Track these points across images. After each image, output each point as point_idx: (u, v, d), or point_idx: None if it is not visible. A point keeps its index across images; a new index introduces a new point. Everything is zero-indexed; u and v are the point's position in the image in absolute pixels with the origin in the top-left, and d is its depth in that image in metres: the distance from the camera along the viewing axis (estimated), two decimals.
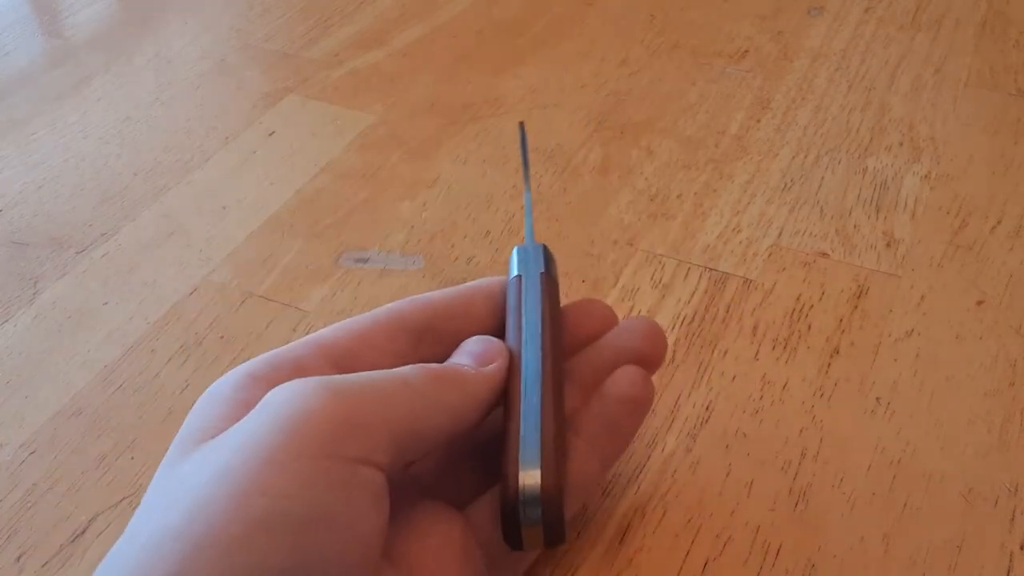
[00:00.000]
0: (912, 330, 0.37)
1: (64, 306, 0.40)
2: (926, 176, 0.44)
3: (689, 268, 0.40)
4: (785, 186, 0.44)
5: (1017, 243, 0.40)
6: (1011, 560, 0.29)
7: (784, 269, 0.40)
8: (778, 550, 0.30)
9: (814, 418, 0.33)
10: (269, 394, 0.23)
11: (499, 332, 0.29)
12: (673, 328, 0.37)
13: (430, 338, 0.28)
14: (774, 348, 0.36)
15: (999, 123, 0.47)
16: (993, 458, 0.32)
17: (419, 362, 0.27)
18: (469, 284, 0.30)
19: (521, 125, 0.35)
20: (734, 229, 0.42)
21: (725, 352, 0.36)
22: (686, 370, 0.35)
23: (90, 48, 0.57)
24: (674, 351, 0.36)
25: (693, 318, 0.37)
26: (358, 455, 0.22)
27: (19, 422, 0.35)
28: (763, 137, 0.47)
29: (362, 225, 0.43)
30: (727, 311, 0.38)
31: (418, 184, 0.45)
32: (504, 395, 0.27)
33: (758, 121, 0.48)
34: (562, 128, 0.48)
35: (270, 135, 0.49)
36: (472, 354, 0.27)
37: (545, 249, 0.30)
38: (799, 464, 0.32)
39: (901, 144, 0.46)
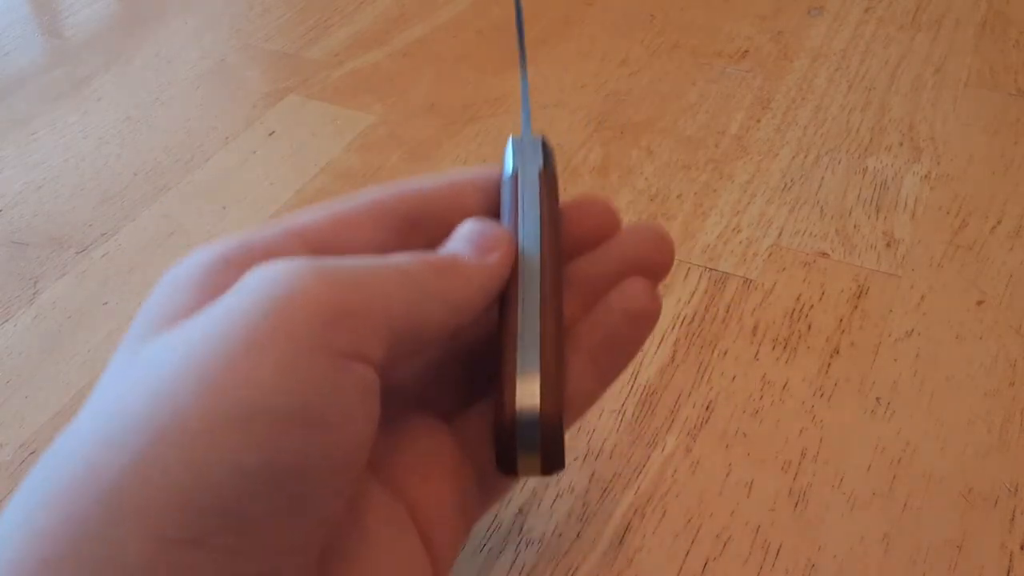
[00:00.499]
0: (912, 330, 0.37)
1: (64, 306, 0.40)
2: (926, 176, 0.44)
3: (689, 268, 0.40)
4: (785, 186, 0.44)
5: (1017, 243, 0.40)
6: (1011, 560, 0.29)
7: (784, 269, 0.40)
8: (778, 550, 0.30)
9: (814, 418, 0.33)
10: (248, 275, 0.19)
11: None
12: (673, 328, 0.37)
13: (418, 229, 0.25)
14: (774, 348, 0.36)
15: (999, 123, 0.47)
16: (993, 458, 0.32)
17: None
18: (460, 172, 0.26)
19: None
20: (734, 229, 0.42)
21: (725, 352, 0.36)
22: (686, 370, 0.35)
23: (90, 48, 0.57)
24: (674, 351, 0.36)
25: (693, 318, 0.38)
26: (349, 348, 0.19)
27: (19, 422, 0.35)
28: (763, 137, 0.47)
29: None
30: (727, 311, 0.38)
31: None
32: (501, 297, 0.24)
33: (758, 121, 0.48)
34: (562, 128, 0.48)
35: (270, 135, 0.49)
36: (471, 240, 0.23)
37: (544, 141, 0.27)
38: (799, 464, 0.32)
39: (901, 144, 0.46)
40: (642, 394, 0.35)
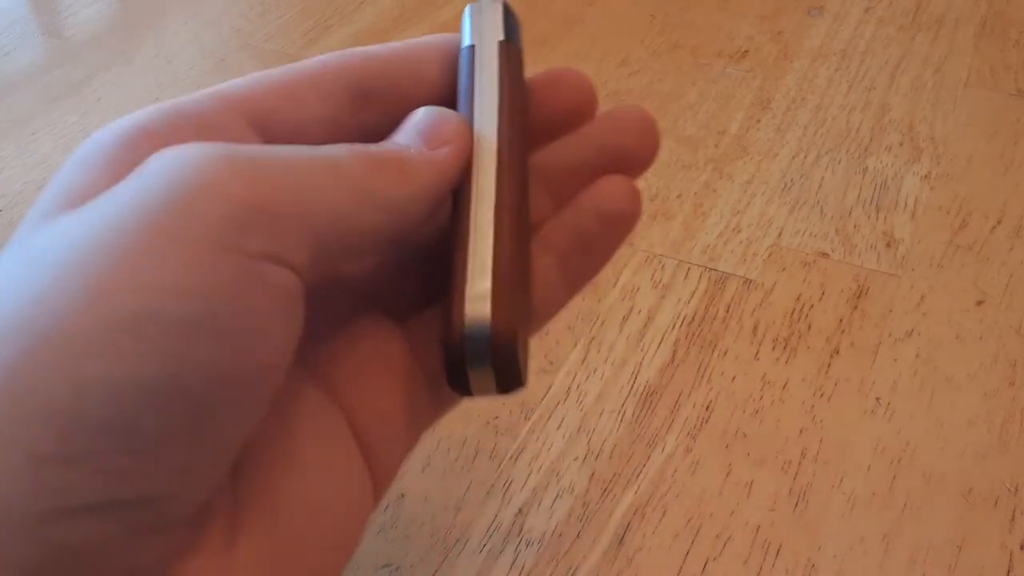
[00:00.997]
0: (912, 330, 0.37)
1: None
2: (926, 176, 0.44)
3: (689, 268, 0.40)
4: (785, 186, 0.44)
5: (1017, 243, 0.40)
6: (1011, 560, 0.29)
7: (784, 269, 0.40)
8: (778, 550, 0.30)
9: (814, 418, 0.33)
10: (151, 158, 0.17)
11: (452, 99, 0.23)
12: (673, 328, 0.37)
13: (372, 100, 0.22)
14: (774, 348, 0.36)
15: (999, 123, 0.47)
16: (993, 458, 0.32)
17: (357, 129, 0.22)
18: (419, 40, 0.24)
19: None
20: (734, 229, 0.42)
21: (725, 352, 0.36)
22: (686, 370, 0.35)
23: (90, 48, 0.57)
24: (674, 351, 0.36)
25: (693, 318, 0.38)
26: (264, 250, 0.16)
27: None
28: (763, 137, 0.47)
29: None
30: (727, 311, 0.38)
31: None
32: (455, 191, 0.21)
33: (758, 121, 0.48)
34: None
35: None
36: (421, 132, 0.21)
37: (506, 8, 0.24)
38: (799, 464, 0.32)
39: (901, 144, 0.46)
40: (642, 394, 0.35)
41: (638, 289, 0.39)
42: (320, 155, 0.18)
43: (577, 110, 0.24)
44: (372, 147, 0.20)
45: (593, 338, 0.37)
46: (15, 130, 0.50)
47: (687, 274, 0.40)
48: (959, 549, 0.29)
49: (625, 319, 0.38)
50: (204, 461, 0.17)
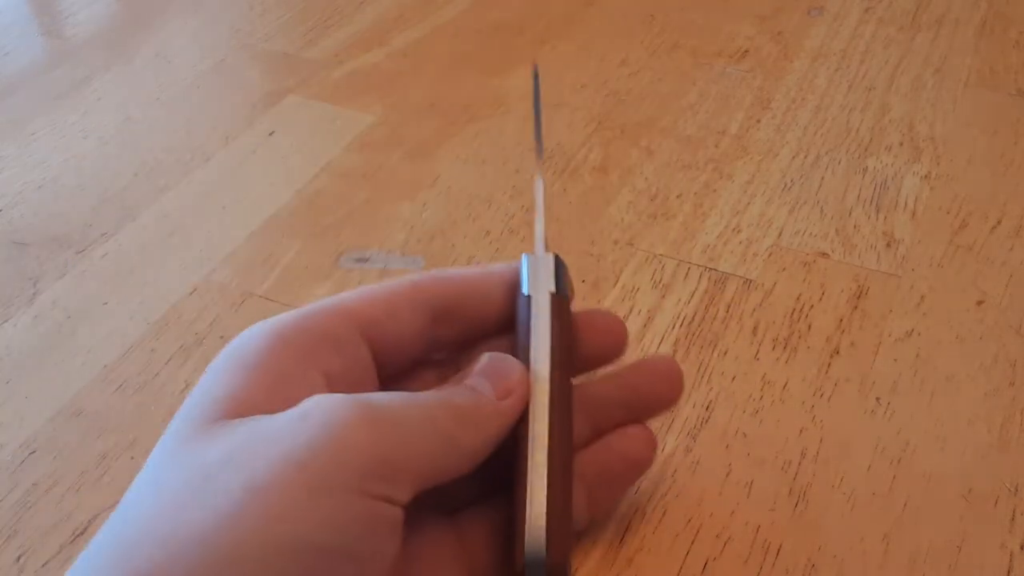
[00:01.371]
0: (912, 330, 0.37)
1: (64, 306, 0.40)
2: (926, 176, 0.44)
3: (689, 268, 0.40)
4: (785, 186, 0.44)
5: (1017, 243, 0.40)
6: (1011, 560, 0.29)
7: (784, 269, 0.40)
8: (778, 550, 0.30)
9: (814, 418, 0.33)
10: (310, 406, 0.22)
11: (512, 322, 0.29)
12: (673, 328, 0.37)
13: (449, 318, 0.28)
14: (774, 348, 0.36)
15: (999, 123, 0.47)
16: (993, 458, 0.32)
17: (437, 340, 0.28)
18: (486, 267, 0.29)
19: (535, 71, 0.33)
20: (734, 229, 0.42)
21: (725, 352, 0.36)
22: (686, 370, 0.35)
23: (90, 48, 0.57)
24: (674, 351, 0.36)
25: (693, 318, 0.37)
26: (384, 493, 0.22)
27: (19, 422, 0.35)
28: (763, 137, 0.47)
29: (362, 225, 0.43)
30: (727, 311, 0.38)
31: (418, 184, 0.45)
32: (515, 428, 0.26)
33: (758, 121, 0.48)
34: (562, 128, 0.48)
35: (270, 135, 0.49)
36: (492, 378, 0.26)
37: (557, 260, 0.29)
38: (799, 464, 0.32)
39: (901, 144, 0.46)
40: None
41: (638, 289, 0.39)
42: (423, 410, 0.24)
43: (611, 350, 0.29)
44: (456, 398, 0.25)
45: None
46: (15, 130, 0.50)
47: (687, 274, 0.40)
48: (959, 549, 0.29)
49: (625, 319, 0.38)
50: None
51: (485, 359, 0.27)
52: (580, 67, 0.53)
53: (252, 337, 0.25)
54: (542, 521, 0.25)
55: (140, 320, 0.39)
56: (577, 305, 0.29)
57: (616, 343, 0.29)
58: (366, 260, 0.41)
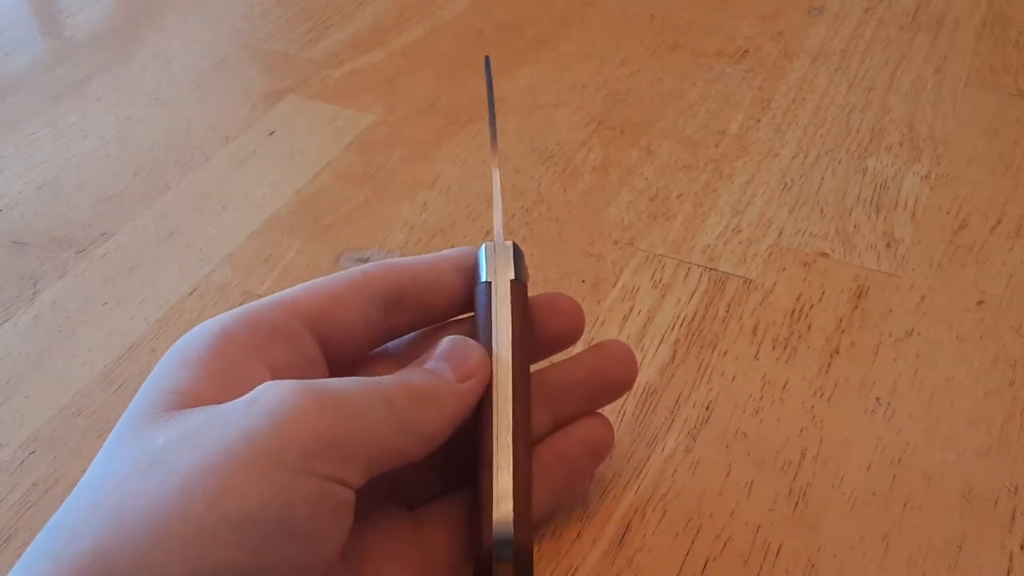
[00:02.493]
0: (912, 330, 0.37)
1: (64, 306, 0.40)
2: (926, 176, 0.44)
3: (689, 268, 0.40)
4: (785, 186, 0.44)
5: (1017, 243, 0.40)
6: (1011, 560, 0.29)
7: (784, 269, 0.40)
8: (778, 550, 0.30)
9: (814, 418, 0.33)
10: (261, 391, 0.23)
11: (468, 306, 0.29)
12: (673, 328, 0.37)
13: (402, 306, 0.28)
14: (774, 348, 0.36)
15: (999, 123, 0.47)
16: (993, 458, 0.32)
17: (388, 329, 0.28)
18: (438, 254, 0.29)
19: (486, 60, 0.33)
20: (734, 229, 0.42)
21: (725, 352, 0.36)
22: (686, 370, 0.35)
23: (90, 48, 0.57)
24: (674, 351, 0.36)
25: (693, 318, 0.38)
26: (332, 474, 0.22)
27: (19, 422, 0.35)
28: (763, 137, 0.47)
29: (362, 225, 0.43)
30: (727, 311, 0.38)
31: (418, 184, 0.45)
32: (476, 412, 0.27)
33: (758, 121, 0.48)
34: (562, 128, 0.48)
35: (270, 135, 0.49)
36: (451, 360, 0.26)
37: (515, 248, 0.29)
38: (799, 464, 0.32)
39: (901, 144, 0.46)
40: (642, 394, 0.35)
41: (638, 289, 0.39)
42: (377, 392, 0.24)
43: (569, 333, 0.30)
44: (414, 379, 0.25)
45: (593, 338, 0.37)
46: (15, 130, 0.50)
47: (687, 274, 0.40)
48: (959, 549, 0.29)
49: (625, 319, 0.38)
50: None
51: (445, 343, 0.27)
52: (580, 67, 0.53)
53: (197, 335, 0.25)
54: (509, 501, 0.25)
55: (140, 320, 0.39)
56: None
57: (573, 326, 0.30)
58: (366, 260, 0.41)
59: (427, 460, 0.28)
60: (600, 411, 0.30)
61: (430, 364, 0.26)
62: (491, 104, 0.32)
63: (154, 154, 0.48)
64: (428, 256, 0.29)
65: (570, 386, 0.29)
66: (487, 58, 0.33)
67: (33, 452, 0.34)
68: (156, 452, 0.22)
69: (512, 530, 0.25)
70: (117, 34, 0.59)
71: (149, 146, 0.49)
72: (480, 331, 0.28)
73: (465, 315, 0.30)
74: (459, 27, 0.57)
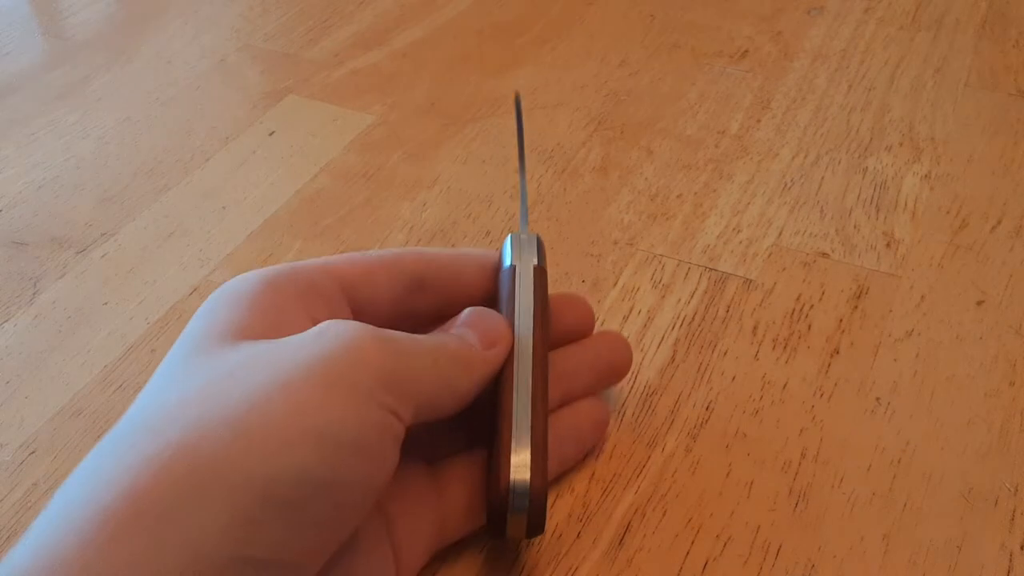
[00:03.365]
0: (912, 330, 0.37)
1: (64, 306, 0.40)
2: (926, 176, 0.44)
3: (689, 268, 0.40)
4: (785, 186, 0.44)
5: (1017, 243, 0.40)
6: (1011, 560, 0.29)
7: (784, 269, 0.40)
8: (778, 550, 0.30)
9: (814, 418, 0.33)
10: (328, 325, 0.24)
11: (486, 303, 0.31)
12: (673, 328, 0.37)
13: (425, 290, 0.30)
14: (774, 348, 0.36)
15: (999, 123, 0.47)
16: (993, 458, 0.32)
17: (409, 310, 0.30)
18: (463, 250, 0.32)
19: (516, 98, 0.35)
20: (734, 229, 0.42)
21: (725, 352, 0.36)
22: (686, 370, 0.35)
23: (90, 48, 0.57)
24: (674, 351, 0.36)
25: (693, 318, 0.38)
26: (392, 407, 0.24)
27: (19, 422, 0.35)
28: (763, 137, 0.47)
29: (362, 225, 0.43)
30: (727, 311, 0.38)
31: (418, 184, 0.45)
32: (497, 378, 0.29)
33: (758, 121, 0.48)
34: (562, 128, 0.48)
35: (270, 135, 0.49)
36: (479, 330, 0.28)
37: (538, 239, 0.32)
38: (799, 464, 0.32)
39: (901, 144, 0.46)
40: (642, 394, 0.35)
41: (638, 289, 0.39)
42: (428, 349, 0.26)
43: (582, 327, 0.33)
44: (450, 343, 0.27)
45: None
46: (15, 130, 0.50)
47: (687, 274, 0.40)
48: (959, 549, 0.29)
49: (625, 319, 0.38)
50: (330, 540, 0.23)
51: (467, 313, 0.29)
52: (580, 67, 0.53)
53: (243, 280, 0.26)
54: (527, 453, 0.27)
55: (140, 320, 0.39)
56: None
57: (585, 321, 0.33)
58: None
59: (446, 421, 0.29)
60: (600, 397, 0.32)
61: (456, 331, 0.28)
62: (521, 142, 0.34)
63: (154, 154, 0.48)
64: (455, 250, 0.32)
65: (578, 367, 0.32)
66: (517, 96, 0.35)
67: (33, 452, 0.34)
68: (233, 367, 0.23)
69: (528, 479, 0.26)
70: (117, 34, 0.59)
71: (149, 146, 0.49)
72: (504, 309, 0.30)
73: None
74: (459, 27, 0.57)
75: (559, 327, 0.32)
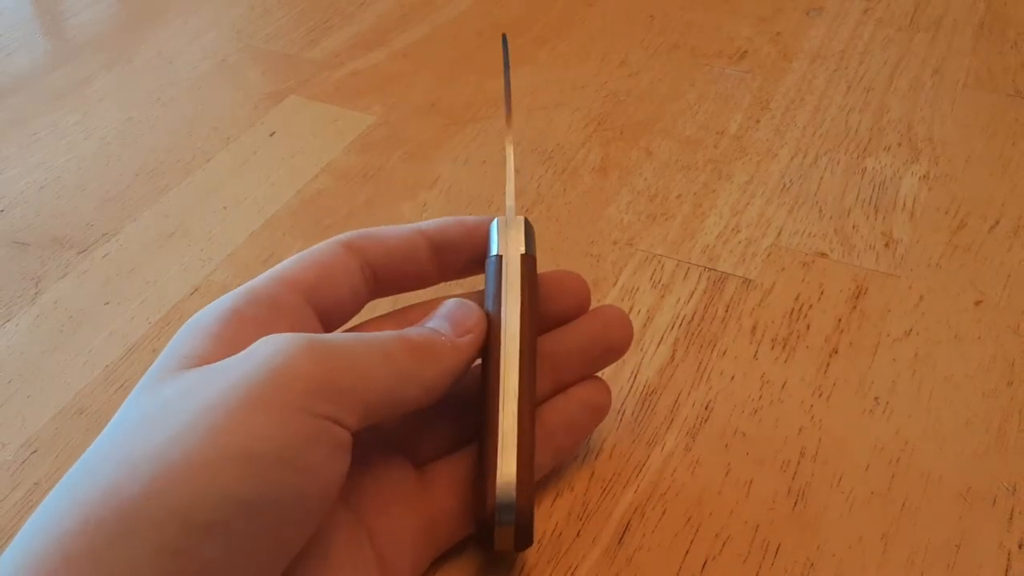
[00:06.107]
0: (911, 330, 0.37)
1: (66, 306, 0.40)
2: (924, 176, 0.44)
3: (688, 268, 0.40)
4: (784, 186, 0.44)
5: (1015, 243, 0.40)
6: (1009, 559, 0.29)
7: (783, 269, 0.40)
8: (777, 549, 0.30)
9: (813, 418, 0.34)
10: (260, 344, 0.24)
11: (438, 279, 0.31)
12: (672, 328, 0.37)
13: (378, 278, 0.30)
14: (773, 348, 0.36)
15: (997, 124, 0.47)
16: (991, 458, 0.32)
17: (372, 298, 0.30)
18: (413, 226, 0.30)
19: (504, 39, 0.34)
20: (733, 229, 0.42)
21: (724, 352, 0.36)
22: (686, 370, 0.35)
23: (91, 49, 0.57)
24: (674, 351, 0.36)
25: (692, 318, 0.38)
26: (328, 414, 0.23)
27: (21, 422, 0.35)
28: (762, 137, 0.47)
29: (362, 225, 0.43)
30: (726, 311, 0.38)
31: (418, 184, 0.45)
32: (483, 375, 0.28)
33: (757, 121, 0.48)
34: (562, 128, 0.48)
35: (271, 135, 0.49)
36: (451, 319, 0.28)
37: (527, 222, 0.30)
38: (798, 464, 0.32)
39: (900, 145, 0.46)
40: (642, 394, 0.35)
41: (637, 289, 0.39)
42: (374, 345, 0.25)
43: (576, 309, 0.31)
44: (413, 335, 0.26)
45: None
46: (16, 130, 0.51)
47: (686, 274, 0.40)
48: (957, 548, 0.30)
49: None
50: (274, 559, 0.23)
51: (444, 305, 0.28)
52: (580, 67, 0.53)
53: (208, 311, 0.27)
54: (513, 467, 0.26)
55: (141, 320, 0.39)
56: None
57: (579, 303, 0.31)
58: None
59: (434, 420, 0.30)
60: (599, 376, 0.31)
61: (431, 323, 0.28)
62: (507, 80, 0.33)
63: (155, 154, 0.48)
64: (405, 228, 0.30)
65: (570, 352, 0.31)
66: (504, 37, 0.34)
67: (35, 452, 0.34)
68: (163, 402, 0.23)
69: (514, 495, 0.26)
70: (118, 35, 0.59)
71: (150, 146, 0.49)
72: (489, 301, 0.29)
73: (474, 291, 0.31)
74: (459, 27, 0.57)
75: (553, 308, 0.31)
